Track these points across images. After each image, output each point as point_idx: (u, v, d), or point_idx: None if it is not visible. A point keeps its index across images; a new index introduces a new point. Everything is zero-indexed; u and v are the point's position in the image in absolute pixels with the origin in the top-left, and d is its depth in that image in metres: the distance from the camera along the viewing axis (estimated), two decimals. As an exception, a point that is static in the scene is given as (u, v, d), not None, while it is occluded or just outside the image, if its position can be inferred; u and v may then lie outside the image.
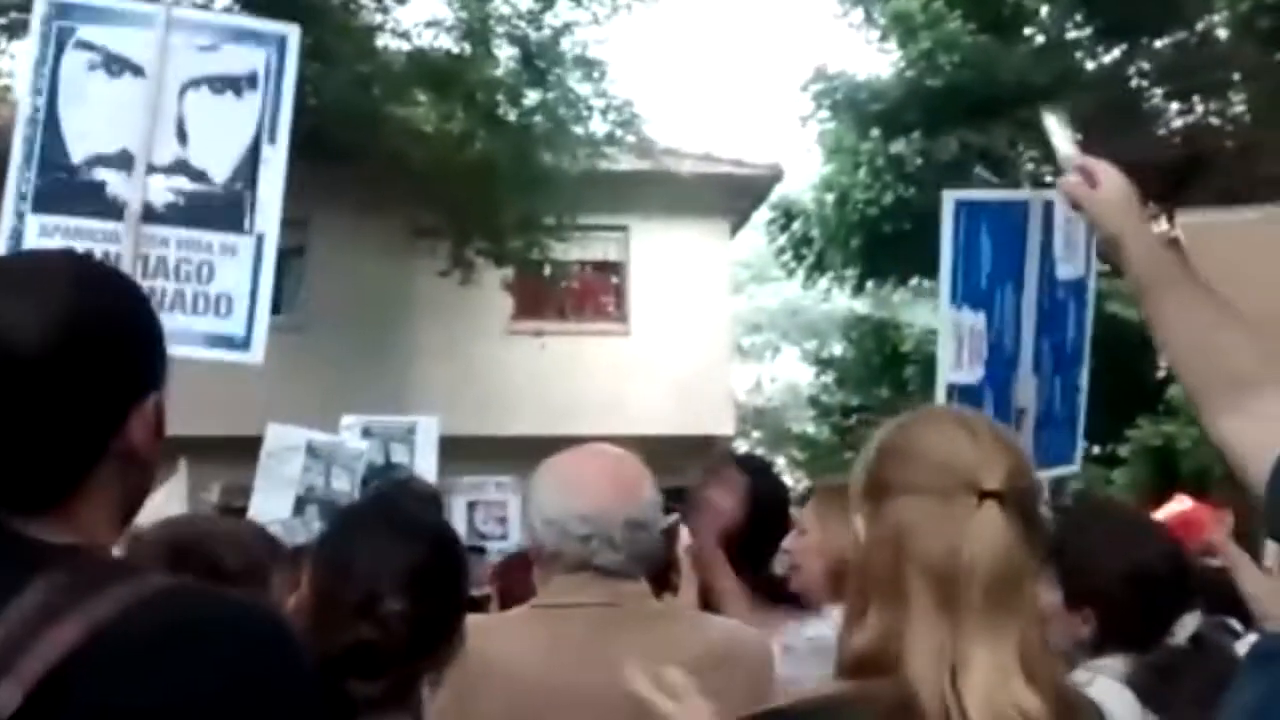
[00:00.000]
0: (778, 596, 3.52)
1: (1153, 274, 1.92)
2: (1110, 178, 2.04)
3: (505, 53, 14.61)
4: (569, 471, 2.39)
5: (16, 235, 3.64)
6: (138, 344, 1.36)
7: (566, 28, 14.59)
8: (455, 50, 14.28)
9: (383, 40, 14.41)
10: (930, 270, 15.51)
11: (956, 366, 3.39)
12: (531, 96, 14.70)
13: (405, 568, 1.85)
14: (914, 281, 16.94)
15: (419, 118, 13.35)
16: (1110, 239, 2.00)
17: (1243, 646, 2.93)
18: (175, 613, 1.22)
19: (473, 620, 1.98)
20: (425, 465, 7.23)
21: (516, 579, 3.53)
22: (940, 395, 3.39)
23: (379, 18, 14.32)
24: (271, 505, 6.54)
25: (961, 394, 3.39)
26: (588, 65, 14.90)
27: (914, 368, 15.47)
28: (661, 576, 3.20)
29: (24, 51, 3.75)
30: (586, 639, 2.27)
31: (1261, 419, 1.72)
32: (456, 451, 9.30)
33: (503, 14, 14.43)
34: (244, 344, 3.69)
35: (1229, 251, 3.32)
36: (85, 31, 3.72)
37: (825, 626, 2.77)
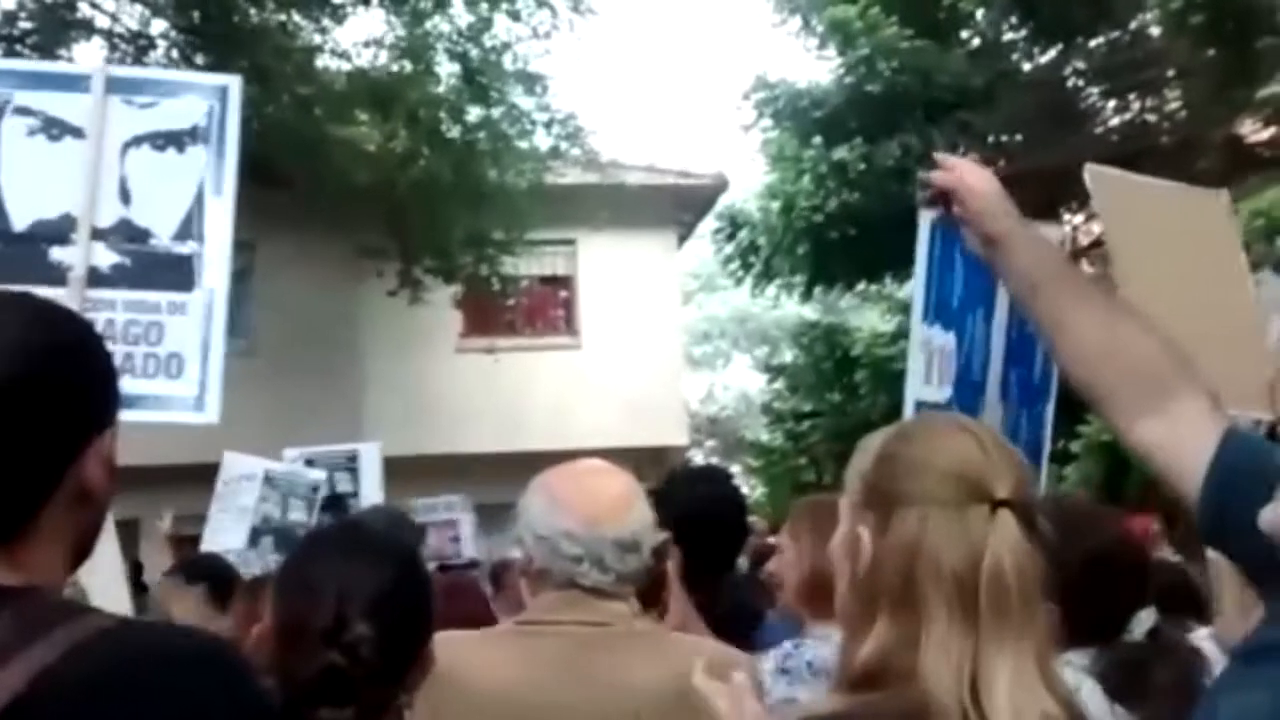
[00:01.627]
0: (740, 603, 3.54)
1: (1042, 271, 1.85)
2: (981, 175, 1.98)
3: (446, 69, 14.55)
4: (561, 489, 2.36)
5: None
6: (91, 382, 1.35)
7: (506, 46, 14.57)
8: (396, 69, 14.21)
9: (322, 61, 14.29)
10: (877, 274, 15.72)
11: (926, 383, 3.38)
12: (474, 113, 14.64)
13: (372, 592, 1.82)
14: (861, 286, 17.03)
15: (362, 138, 13.27)
16: (993, 236, 1.93)
17: (1202, 642, 2.95)
18: (117, 652, 1.21)
19: (455, 636, 1.96)
20: (370, 491, 7.17)
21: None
22: (908, 412, 3.37)
23: (318, 39, 14.22)
24: (226, 535, 6.47)
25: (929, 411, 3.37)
26: (530, 80, 14.87)
27: (864, 371, 15.55)
28: (652, 594, 3.19)
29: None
30: (569, 658, 2.25)
31: (1184, 422, 1.65)
32: (410, 470, 9.23)
33: (442, 31, 14.38)
34: (197, 405, 3.61)
35: (1136, 208, 3.31)
36: (22, 98, 3.63)
37: (825, 648, 2.73)
